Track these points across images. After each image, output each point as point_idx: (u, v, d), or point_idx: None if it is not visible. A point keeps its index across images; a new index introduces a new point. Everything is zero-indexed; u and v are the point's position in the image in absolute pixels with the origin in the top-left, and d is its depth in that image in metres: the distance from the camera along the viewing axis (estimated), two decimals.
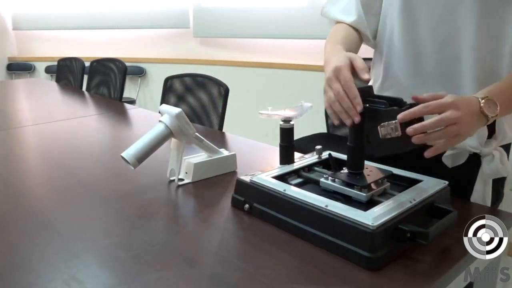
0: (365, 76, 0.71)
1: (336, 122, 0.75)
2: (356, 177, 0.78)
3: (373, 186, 0.76)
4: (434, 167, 0.88)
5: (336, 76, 0.73)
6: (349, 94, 0.71)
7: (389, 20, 0.92)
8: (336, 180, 0.79)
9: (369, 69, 1.03)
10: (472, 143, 0.86)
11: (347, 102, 0.71)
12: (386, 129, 0.69)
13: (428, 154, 0.70)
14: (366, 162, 0.82)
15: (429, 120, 0.68)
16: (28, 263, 0.69)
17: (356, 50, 0.94)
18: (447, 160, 0.90)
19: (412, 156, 0.88)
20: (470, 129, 0.71)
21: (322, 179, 0.81)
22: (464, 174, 0.89)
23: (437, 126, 0.70)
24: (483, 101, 0.71)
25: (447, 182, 0.80)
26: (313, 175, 0.87)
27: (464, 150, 0.88)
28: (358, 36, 0.97)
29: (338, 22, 1.00)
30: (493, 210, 0.86)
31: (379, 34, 0.96)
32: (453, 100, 0.68)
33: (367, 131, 0.74)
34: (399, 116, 0.68)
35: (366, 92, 0.75)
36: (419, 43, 0.87)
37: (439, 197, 0.76)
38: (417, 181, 0.80)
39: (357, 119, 0.71)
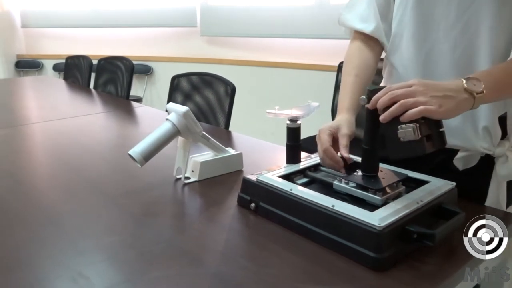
0: (344, 153, 0.81)
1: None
2: (371, 180, 0.76)
3: (387, 189, 0.74)
4: (445, 170, 0.87)
5: (318, 137, 0.84)
6: (329, 156, 0.82)
7: (400, 20, 0.90)
8: (350, 182, 0.77)
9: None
10: (484, 144, 0.85)
11: (329, 162, 0.83)
12: (404, 132, 0.67)
13: (403, 118, 0.67)
14: (389, 167, 0.81)
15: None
16: (35, 259, 0.70)
17: (372, 76, 0.98)
18: (458, 163, 0.89)
19: (421, 159, 0.88)
20: (447, 102, 0.68)
21: (335, 182, 0.79)
22: (476, 177, 0.88)
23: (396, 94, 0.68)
24: (465, 80, 0.70)
25: (454, 184, 0.79)
26: (319, 175, 0.87)
27: (476, 152, 0.87)
28: (373, 56, 0.97)
29: (356, 31, 1.00)
30: (500, 211, 0.85)
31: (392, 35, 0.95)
32: (418, 80, 0.70)
33: (382, 133, 0.73)
34: (381, 117, 0.69)
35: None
36: (434, 38, 0.85)
37: (447, 198, 0.76)
38: (424, 182, 0.79)
39: (342, 170, 0.81)
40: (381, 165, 0.83)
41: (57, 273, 0.66)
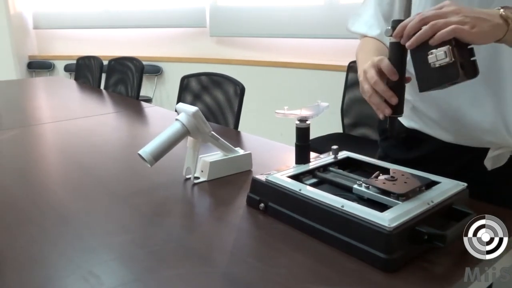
0: (394, 77, 0.71)
1: (381, 116, 0.75)
2: (393, 185, 0.74)
3: (410, 195, 0.73)
4: (471, 172, 0.85)
5: (365, 77, 0.75)
6: (378, 90, 0.72)
7: None
8: (371, 187, 0.75)
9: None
10: None
11: (376, 98, 0.73)
12: (435, 56, 0.62)
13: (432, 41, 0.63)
14: (402, 168, 0.80)
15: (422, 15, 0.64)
16: (46, 258, 0.70)
17: None
18: (487, 162, 0.87)
19: (446, 160, 0.86)
20: (481, 23, 0.63)
21: (355, 186, 0.77)
22: (506, 176, 0.86)
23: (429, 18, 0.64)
24: (502, 9, 0.66)
25: (465, 184, 0.79)
26: (328, 175, 0.87)
27: (508, 149, 0.84)
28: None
29: (363, 36, 1.01)
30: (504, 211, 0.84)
31: None
32: (450, 1, 0.65)
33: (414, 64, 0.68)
34: (407, 43, 0.65)
35: None
36: None
37: (458, 199, 0.75)
38: (435, 183, 0.78)
39: (387, 111, 0.72)
40: (403, 169, 0.82)
41: (67, 271, 0.66)
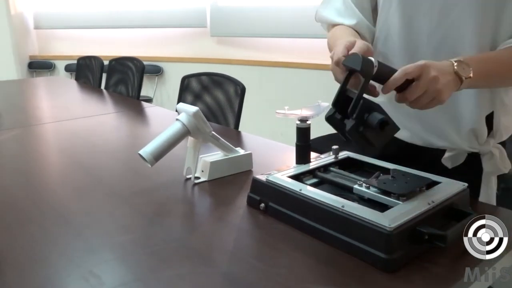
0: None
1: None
2: (394, 185, 0.74)
3: (411, 195, 0.72)
4: (434, 170, 0.86)
5: (332, 53, 0.80)
6: (341, 68, 0.77)
7: (384, 21, 0.91)
8: (371, 187, 0.75)
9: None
10: (469, 143, 0.87)
11: (341, 77, 0.78)
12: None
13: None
14: (403, 169, 0.81)
15: (410, 89, 0.69)
16: (47, 257, 0.70)
17: None
18: (446, 162, 0.91)
19: (409, 159, 0.89)
20: (447, 89, 0.70)
21: (356, 186, 0.77)
22: (467, 174, 0.87)
23: (420, 91, 0.69)
24: (456, 63, 0.71)
25: (466, 184, 0.78)
26: (328, 176, 0.87)
27: (462, 151, 0.89)
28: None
29: (335, 25, 0.97)
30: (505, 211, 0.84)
31: (376, 34, 0.95)
32: (425, 62, 0.69)
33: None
34: (383, 89, 0.70)
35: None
36: (417, 40, 0.86)
37: (458, 199, 0.75)
38: (435, 183, 0.78)
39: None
40: (404, 169, 0.82)
41: (68, 271, 0.66)
